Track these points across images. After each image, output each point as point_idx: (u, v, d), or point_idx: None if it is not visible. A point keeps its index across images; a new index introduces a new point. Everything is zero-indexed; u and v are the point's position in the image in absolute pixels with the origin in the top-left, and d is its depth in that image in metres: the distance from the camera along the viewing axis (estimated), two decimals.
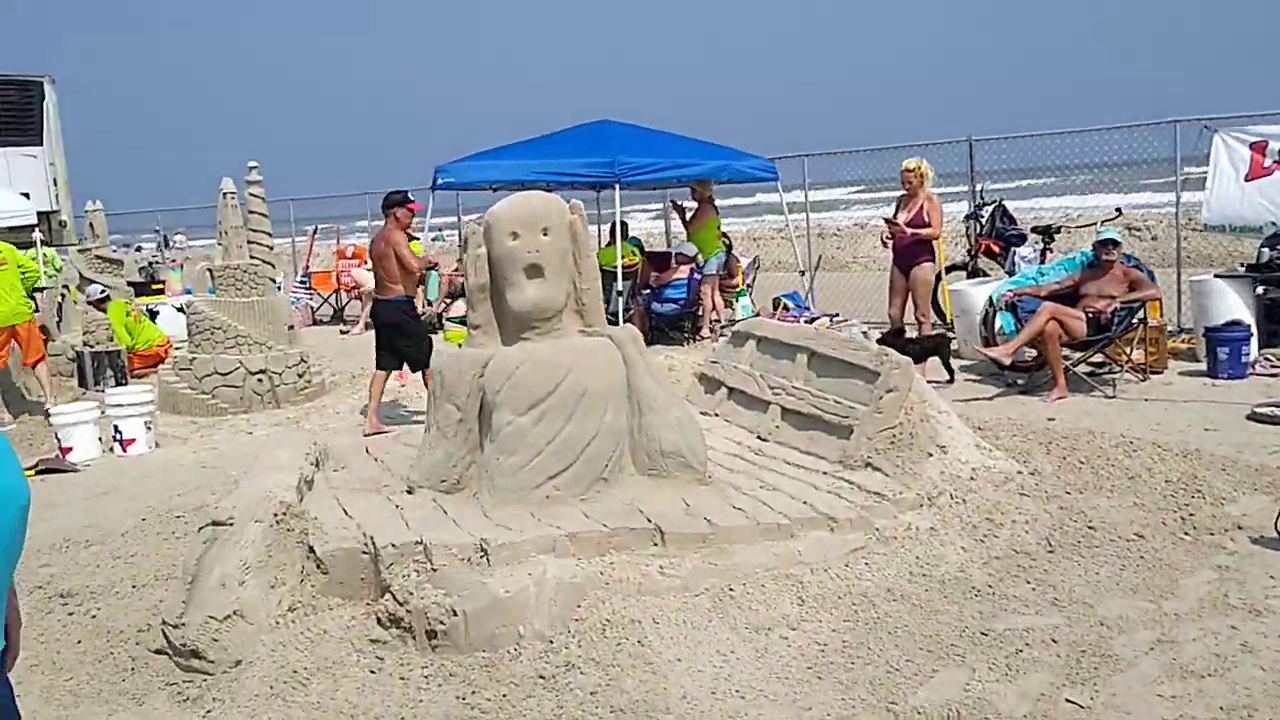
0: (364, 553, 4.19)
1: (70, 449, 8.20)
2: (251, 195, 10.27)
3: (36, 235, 17.47)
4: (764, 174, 12.73)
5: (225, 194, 10.12)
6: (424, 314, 13.74)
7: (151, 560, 5.27)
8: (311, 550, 4.21)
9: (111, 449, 8.41)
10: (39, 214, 17.95)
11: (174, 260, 17.93)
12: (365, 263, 17.23)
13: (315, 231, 19.30)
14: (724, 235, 12.69)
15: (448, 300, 13.93)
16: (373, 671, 3.80)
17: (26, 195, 18.08)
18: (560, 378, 4.63)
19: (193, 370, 9.91)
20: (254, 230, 10.25)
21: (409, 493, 4.86)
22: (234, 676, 3.81)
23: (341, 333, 15.19)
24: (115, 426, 8.35)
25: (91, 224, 12.51)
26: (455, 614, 3.83)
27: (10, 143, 19.62)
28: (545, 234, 4.77)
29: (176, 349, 11.49)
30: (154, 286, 14.95)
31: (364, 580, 4.18)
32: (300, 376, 10.17)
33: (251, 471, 5.00)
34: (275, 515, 4.26)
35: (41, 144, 20.04)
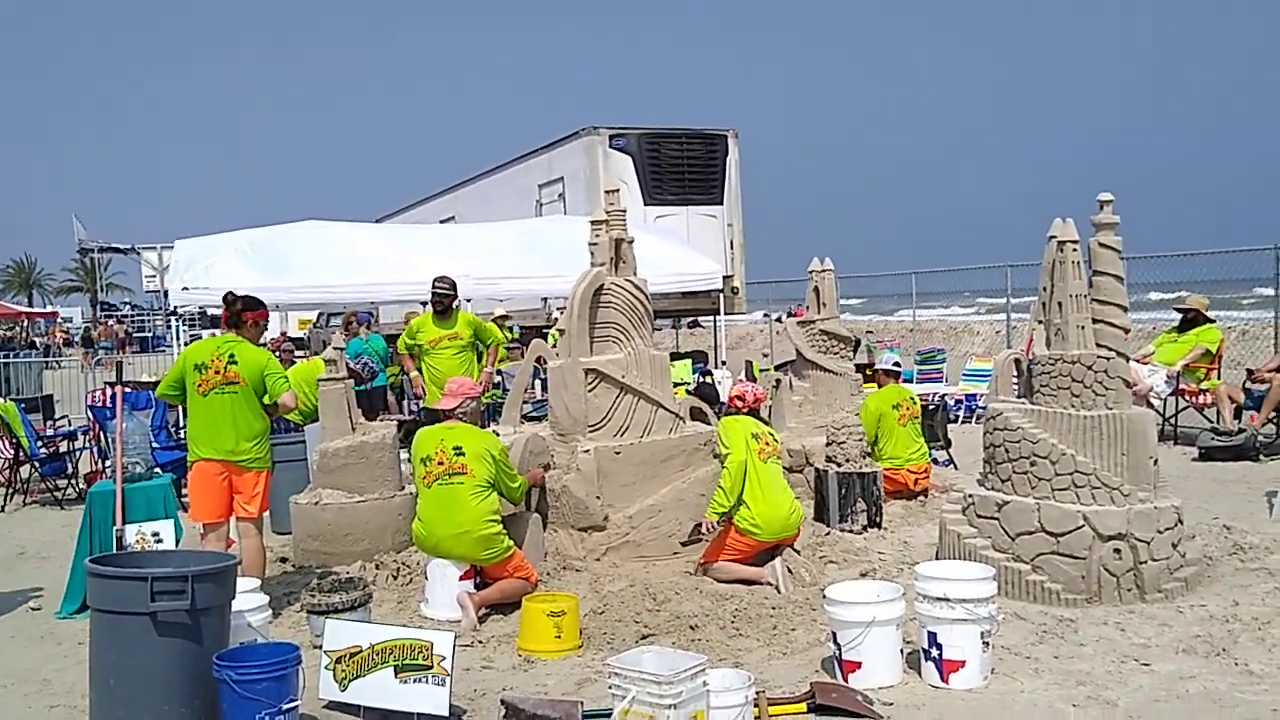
0: None
1: (857, 665, 4.79)
2: (1100, 247, 6.42)
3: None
4: None
5: (1062, 243, 6.37)
6: None
7: None
8: None
9: (918, 669, 4.90)
10: None
11: (890, 339, 14.86)
12: None
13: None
14: None
15: None
16: None
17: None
18: None
19: (1001, 520, 6.22)
20: (1102, 303, 6.38)
21: None
22: None
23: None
24: (929, 633, 4.81)
25: (817, 289, 9.46)
26: None
27: (692, 201, 18.17)
28: None
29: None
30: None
31: None
32: (1174, 547, 6.06)
33: None
34: None
35: (721, 203, 18.42)
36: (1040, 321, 6.71)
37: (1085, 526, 5.93)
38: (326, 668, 4.77)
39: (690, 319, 27.65)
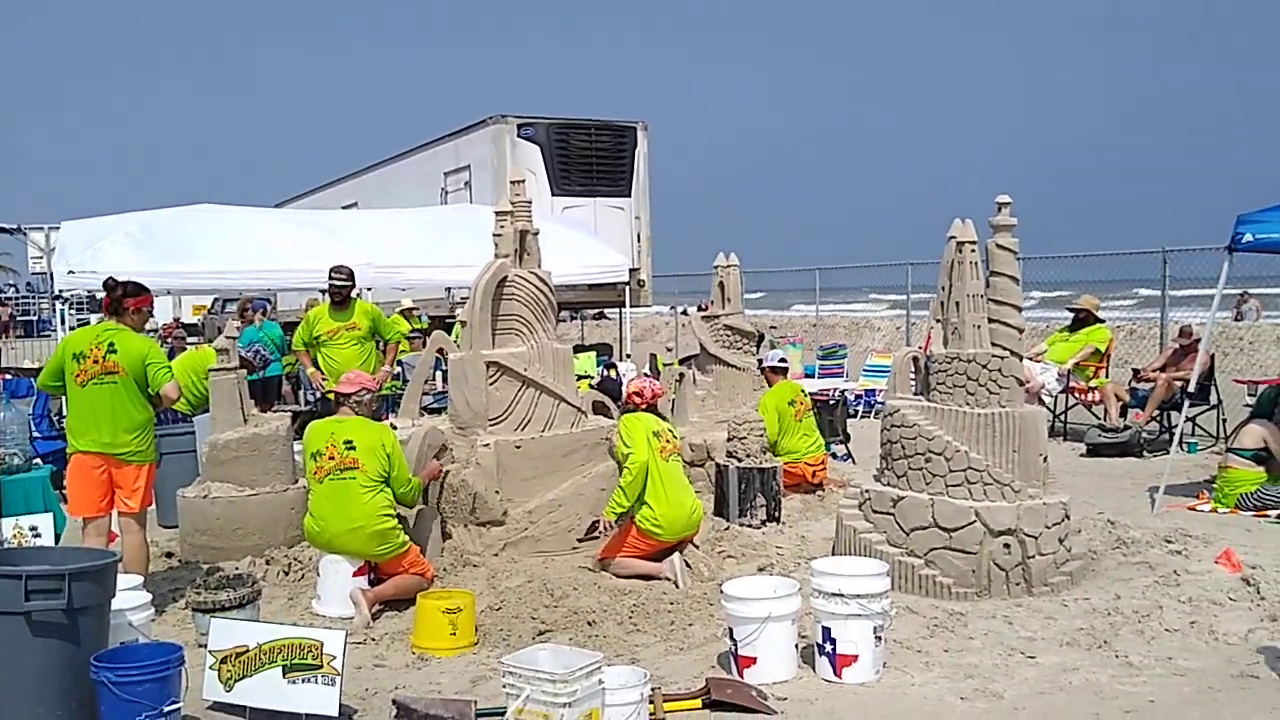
0: None
1: (752, 660, 4.82)
2: (997, 248, 6.56)
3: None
4: None
5: (960, 243, 6.49)
6: None
7: None
8: None
9: (812, 664, 4.95)
10: None
11: (793, 334, 14.99)
12: None
13: None
14: None
15: None
16: None
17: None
18: None
19: (896, 515, 6.33)
20: (998, 302, 6.52)
21: None
22: None
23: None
24: (824, 628, 4.86)
25: (722, 284, 9.48)
26: None
27: (599, 192, 18.07)
28: None
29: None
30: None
31: None
32: (1061, 542, 6.23)
33: None
34: None
35: (629, 195, 18.37)
36: (938, 320, 6.82)
37: (977, 522, 6.05)
38: (211, 668, 4.62)
39: (596, 311, 27.59)
